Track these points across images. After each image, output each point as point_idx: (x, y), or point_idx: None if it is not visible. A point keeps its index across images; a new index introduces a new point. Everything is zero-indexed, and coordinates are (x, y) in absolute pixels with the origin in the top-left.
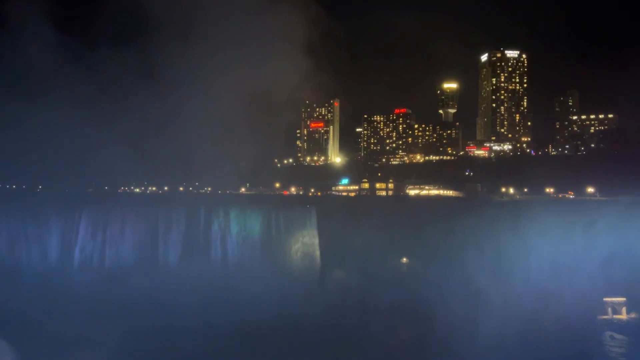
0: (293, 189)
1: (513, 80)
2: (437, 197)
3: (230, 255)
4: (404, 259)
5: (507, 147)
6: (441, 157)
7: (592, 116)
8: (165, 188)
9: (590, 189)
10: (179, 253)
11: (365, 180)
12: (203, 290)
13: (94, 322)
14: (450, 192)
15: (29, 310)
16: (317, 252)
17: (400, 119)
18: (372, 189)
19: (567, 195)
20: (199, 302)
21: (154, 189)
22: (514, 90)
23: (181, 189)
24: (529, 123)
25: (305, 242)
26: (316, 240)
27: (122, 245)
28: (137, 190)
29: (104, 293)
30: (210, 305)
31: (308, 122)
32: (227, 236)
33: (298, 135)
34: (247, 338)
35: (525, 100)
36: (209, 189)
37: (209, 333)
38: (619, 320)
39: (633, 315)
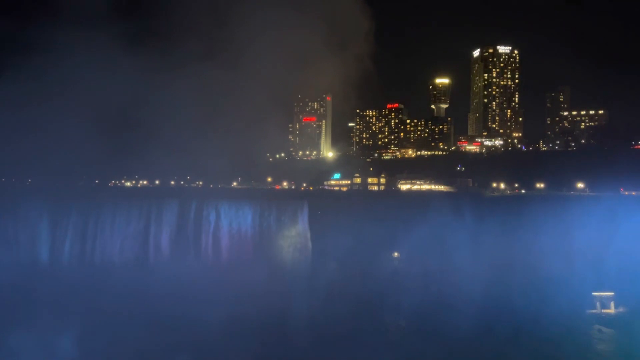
0: (285, 184)
1: (505, 75)
2: (429, 192)
3: (221, 248)
4: (395, 253)
5: (498, 142)
6: (433, 152)
7: (583, 112)
8: (157, 182)
9: (580, 185)
10: (171, 247)
11: (358, 175)
12: (194, 283)
13: (85, 318)
14: (441, 187)
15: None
16: (309, 246)
17: (393, 114)
18: (364, 183)
19: None
20: (190, 295)
21: (145, 182)
22: (505, 85)
23: (172, 182)
24: (520, 119)
25: (297, 236)
26: (308, 234)
27: (114, 239)
28: (128, 184)
29: (95, 287)
30: (202, 298)
31: (300, 117)
32: (219, 230)
33: (290, 129)
34: (237, 331)
35: (516, 95)
36: (201, 183)
37: (201, 326)
38: (607, 314)
39: (621, 309)
